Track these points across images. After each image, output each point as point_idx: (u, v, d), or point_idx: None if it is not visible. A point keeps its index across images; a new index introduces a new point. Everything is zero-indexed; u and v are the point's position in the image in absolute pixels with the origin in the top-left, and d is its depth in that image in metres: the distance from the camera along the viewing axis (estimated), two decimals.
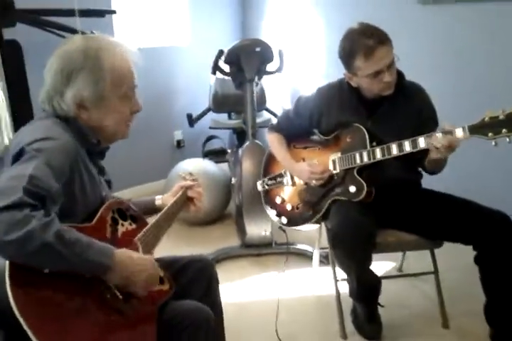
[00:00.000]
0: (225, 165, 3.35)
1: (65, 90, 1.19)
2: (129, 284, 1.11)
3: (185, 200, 1.51)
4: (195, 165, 3.09)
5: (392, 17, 3.00)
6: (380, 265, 2.51)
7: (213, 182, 3.08)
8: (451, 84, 2.81)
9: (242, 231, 2.75)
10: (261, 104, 3.42)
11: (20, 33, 2.20)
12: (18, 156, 1.08)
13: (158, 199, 1.51)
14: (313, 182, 1.91)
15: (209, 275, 1.49)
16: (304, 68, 3.55)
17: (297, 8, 3.55)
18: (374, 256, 2.37)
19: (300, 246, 2.70)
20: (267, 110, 3.47)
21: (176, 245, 2.89)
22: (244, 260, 2.69)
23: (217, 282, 1.53)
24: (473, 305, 1.90)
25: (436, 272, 2.05)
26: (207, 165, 3.15)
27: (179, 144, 3.80)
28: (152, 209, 1.48)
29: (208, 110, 3.42)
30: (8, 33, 2.14)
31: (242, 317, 2.17)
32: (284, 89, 3.76)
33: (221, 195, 3.13)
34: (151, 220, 1.36)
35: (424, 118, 1.83)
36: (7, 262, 0.97)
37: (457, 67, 2.82)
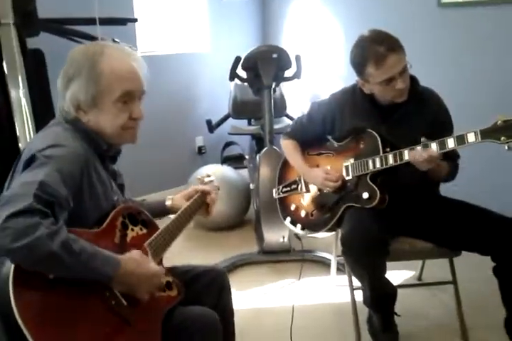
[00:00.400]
0: (244, 171, 3.36)
1: (65, 93, 1.22)
2: (133, 291, 1.12)
3: (202, 205, 1.51)
4: (214, 171, 3.09)
5: (412, 21, 2.99)
6: (399, 274, 2.47)
7: (232, 188, 3.09)
8: (470, 87, 2.78)
9: (260, 237, 2.75)
10: (281, 110, 3.43)
11: (43, 41, 2.26)
12: (29, 163, 1.10)
13: (169, 200, 1.51)
14: (327, 188, 1.90)
15: (221, 285, 1.49)
16: (324, 74, 3.55)
17: (317, 14, 3.55)
18: (393, 264, 2.35)
19: (318, 254, 2.68)
20: (287, 116, 3.47)
21: (194, 250, 2.92)
22: (261, 266, 2.69)
23: (229, 291, 1.53)
24: (493, 317, 1.85)
25: (455, 282, 2.00)
26: (226, 171, 3.16)
27: (200, 150, 3.83)
28: (162, 210, 1.49)
29: (228, 116, 3.44)
30: (31, 42, 2.20)
31: (258, 323, 2.17)
32: (304, 95, 3.75)
33: (240, 201, 3.14)
34: (163, 224, 1.37)
35: (439, 124, 1.81)
36: (12, 265, 0.99)
37: (476, 69, 2.78)
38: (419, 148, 1.61)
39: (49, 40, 2.28)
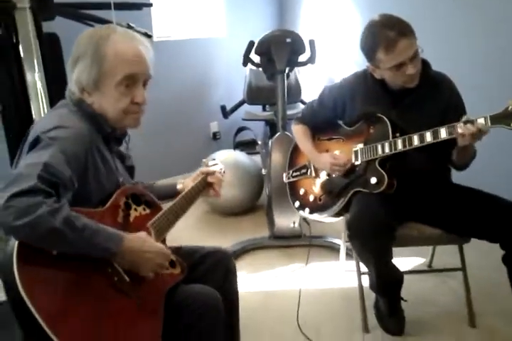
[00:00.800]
0: (257, 157, 3.37)
1: (71, 74, 1.25)
2: (137, 269, 1.15)
3: (205, 186, 1.53)
4: (226, 157, 3.13)
5: (425, 4, 2.93)
6: (409, 260, 2.47)
7: (245, 174, 3.11)
8: (482, 71, 2.73)
9: (271, 222, 2.77)
10: (296, 95, 3.42)
11: (58, 25, 2.29)
12: (34, 144, 1.13)
13: (179, 183, 1.54)
14: (336, 173, 1.90)
15: (226, 267, 1.52)
16: (339, 59, 3.51)
17: None
18: (403, 251, 2.37)
19: (328, 239, 2.69)
20: (302, 102, 3.45)
21: (207, 234, 2.97)
22: (272, 251, 2.71)
23: (234, 274, 1.56)
24: (502, 304, 1.84)
25: (464, 269, 1.99)
26: (238, 156, 3.18)
27: (215, 136, 3.85)
28: (173, 193, 1.51)
29: (243, 102, 3.44)
30: (47, 26, 2.23)
31: (267, 306, 2.20)
32: (319, 81, 3.72)
33: (253, 186, 3.16)
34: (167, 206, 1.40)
35: (451, 109, 1.78)
36: (16, 242, 1.02)
37: (489, 52, 2.72)
38: (460, 125, 1.55)
39: (64, 25, 2.30)
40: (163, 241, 1.34)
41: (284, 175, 2.22)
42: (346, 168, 1.86)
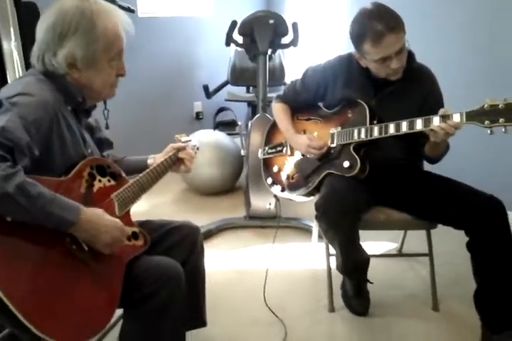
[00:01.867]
0: (237, 138, 3.37)
1: (58, 49, 1.22)
2: (93, 242, 1.15)
3: (176, 161, 1.53)
4: (206, 136, 3.13)
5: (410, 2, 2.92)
6: (381, 245, 2.51)
7: (225, 154, 3.12)
8: (460, 65, 2.74)
9: (247, 203, 2.79)
10: (280, 78, 3.42)
11: None
12: None
13: (151, 158, 1.54)
14: (311, 155, 1.92)
15: (193, 241, 1.53)
16: (325, 43, 3.49)
17: None
18: (375, 236, 2.41)
19: (303, 221, 2.72)
20: (286, 85, 3.44)
21: (184, 213, 2.98)
22: (247, 231, 2.74)
23: (201, 248, 1.57)
24: (466, 289, 1.88)
25: (430, 254, 2.03)
26: (219, 136, 3.18)
27: (198, 116, 3.84)
28: (143, 167, 1.50)
29: (226, 83, 3.43)
30: None
31: (237, 284, 2.23)
32: (304, 65, 3.70)
33: (232, 166, 3.17)
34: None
35: (430, 103, 1.80)
36: None
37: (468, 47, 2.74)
38: (436, 118, 1.58)
39: None
40: (127, 214, 1.34)
41: (260, 151, 2.22)
42: (322, 152, 1.87)
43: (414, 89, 1.80)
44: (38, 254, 1.07)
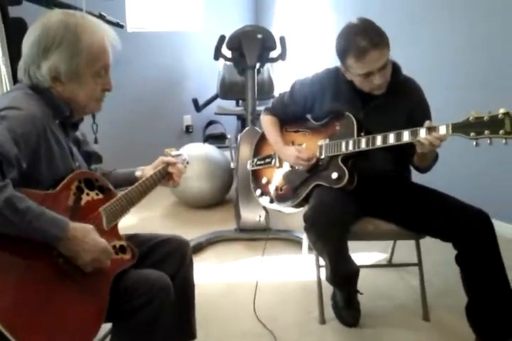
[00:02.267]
0: (227, 151, 3.39)
1: (41, 63, 1.23)
2: (75, 258, 1.14)
3: (165, 175, 1.53)
4: (196, 150, 3.14)
5: (402, 6, 2.98)
6: (371, 255, 2.52)
7: (215, 167, 3.13)
8: (453, 75, 2.79)
9: (238, 215, 2.79)
10: (269, 92, 3.45)
11: (26, 11, 2.26)
12: None
13: (139, 170, 1.54)
14: (300, 167, 1.93)
15: (182, 255, 1.52)
16: (314, 57, 3.54)
17: None
18: (365, 246, 2.42)
19: (293, 233, 2.73)
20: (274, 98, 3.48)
21: (175, 226, 2.98)
22: (237, 243, 2.74)
23: (190, 262, 1.56)
24: (456, 300, 1.89)
25: (420, 264, 2.04)
26: (209, 149, 3.19)
27: (188, 129, 3.85)
28: (131, 179, 1.50)
29: (216, 96, 3.45)
30: (15, 11, 2.20)
31: (227, 296, 2.22)
32: (292, 78, 3.75)
33: (222, 179, 3.18)
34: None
35: (416, 115, 1.82)
36: None
37: (460, 58, 2.79)
38: (422, 130, 1.60)
39: (33, 10, 2.28)
40: (115, 227, 1.34)
41: (249, 162, 2.23)
42: (310, 163, 1.89)
43: (401, 101, 1.83)
44: (23, 266, 1.06)
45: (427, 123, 1.61)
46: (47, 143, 1.20)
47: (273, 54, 2.95)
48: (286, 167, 2.04)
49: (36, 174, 1.17)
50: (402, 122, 1.78)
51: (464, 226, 1.69)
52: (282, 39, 2.94)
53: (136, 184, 1.42)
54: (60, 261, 1.12)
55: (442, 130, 1.57)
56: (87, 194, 1.26)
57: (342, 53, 1.74)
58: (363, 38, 1.66)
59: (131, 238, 1.42)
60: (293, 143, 2.03)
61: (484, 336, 1.75)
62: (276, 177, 2.08)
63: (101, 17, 2.47)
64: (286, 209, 2.01)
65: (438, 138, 1.57)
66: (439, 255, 2.20)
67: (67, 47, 1.22)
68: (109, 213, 1.29)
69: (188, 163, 1.66)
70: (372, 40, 1.65)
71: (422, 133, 1.60)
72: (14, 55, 2.13)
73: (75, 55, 1.23)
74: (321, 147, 1.90)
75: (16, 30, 2.17)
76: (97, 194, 1.29)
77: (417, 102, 1.86)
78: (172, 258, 1.50)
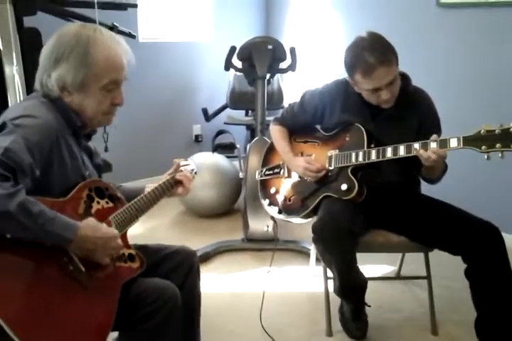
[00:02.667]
0: (236, 161, 3.39)
1: (51, 72, 1.25)
2: (92, 256, 1.17)
3: (173, 185, 1.53)
4: (205, 159, 3.15)
5: (411, 19, 3.00)
6: (379, 268, 2.50)
7: (223, 176, 3.13)
8: (464, 88, 2.79)
9: (245, 225, 2.79)
10: (278, 102, 3.46)
11: (40, 21, 2.30)
12: (0, 130, 1.14)
13: (148, 187, 1.53)
14: (308, 178, 1.93)
15: (190, 266, 1.52)
16: (324, 68, 3.56)
17: (319, 7, 3.56)
18: (373, 259, 2.40)
19: (301, 244, 2.72)
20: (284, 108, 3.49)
21: (182, 235, 2.98)
22: (245, 253, 2.73)
23: (197, 273, 1.56)
24: (465, 313, 1.87)
25: (428, 277, 2.02)
26: (218, 159, 3.20)
27: (197, 138, 3.87)
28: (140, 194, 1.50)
29: (225, 106, 3.47)
30: (30, 21, 2.25)
31: (233, 307, 2.21)
32: (302, 89, 3.77)
33: (231, 189, 3.18)
34: None
35: (427, 126, 1.82)
36: None
37: (471, 70, 2.79)
38: (433, 143, 1.61)
39: (47, 20, 2.32)
40: (124, 236, 1.34)
41: (257, 172, 2.23)
42: (319, 175, 1.88)
43: (411, 112, 1.83)
44: (33, 273, 1.07)
45: (433, 137, 1.61)
46: (60, 152, 1.21)
47: (283, 65, 2.96)
48: (295, 177, 2.03)
49: (48, 182, 1.19)
50: (412, 132, 1.79)
51: (473, 239, 1.68)
52: (292, 50, 2.96)
53: (145, 193, 1.43)
54: (69, 268, 1.13)
55: (453, 143, 1.57)
56: (98, 202, 1.28)
57: (350, 68, 1.75)
58: (370, 54, 1.66)
59: (139, 249, 1.42)
60: (302, 154, 2.03)
61: None
62: (284, 187, 2.07)
63: (113, 27, 2.52)
64: (295, 219, 2.00)
65: (434, 152, 1.57)
66: (447, 269, 2.17)
67: (75, 58, 1.24)
68: (119, 221, 1.30)
69: (196, 173, 1.67)
70: (380, 57, 1.65)
71: (433, 145, 1.60)
72: (28, 65, 2.17)
73: (82, 67, 1.24)
74: (330, 158, 1.90)
75: (31, 40, 2.21)
76: (107, 202, 1.30)
77: (427, 112, 1.85)
78: (179, 269, 1.50)
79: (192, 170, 1.64)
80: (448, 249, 1.76)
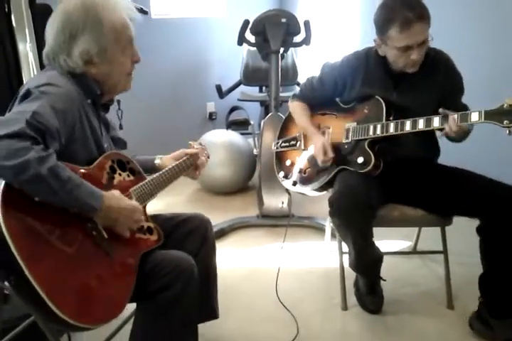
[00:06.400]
0: (250, 138, 3.38)
1: (71, 49, 1.25)
2: (114, 226, 1.19)
3: (190, 166, 1.57)
4: (219, 136, 3.15)
5: None
6: (395, 243, 2.50)
7: (238, 154, 3.13)
8: (488, 57, 2.71)
9: (260, 201, 2.80)
10: (293, 78, 3.42)
11: None
12: (25, 97, 1.15)
13: (158, 159, 1.57)
14: (318, 160, 1.90)
15: (204, 233, 1.55)
16: (337, 40, 3.50)
17: None
18: (390, 234, 2.39)
19: (316, 220, 2.72)
20: (298, 85, 3.45)
21: (198, 211, 2.98)
22: (260, 229, 2.75)
23: (213, 242, 1.59)
24: None
25: (445, 251, 2.01)
26: (232, 136, 3.19)
27: (211, 116, 3.86)
28: (150, 166, 1.53)
29: (239, 83, 3.44)
30: None
31: (250, 281, 2.24)
32: (316, 63, 3.71)
33: (245, 166, 3.18)
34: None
35: (450, 87, 1.80)
36: (3, 182, 1.04)
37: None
38: (454, 116, 1.58)
39: None
40: (143, 209, 1.36)
41: (273, 143, 2.22)
42: (327, 159, 1.86)
43: (433, 75, 1.80)
44: (60, 235, 1.09)
45: (453, 115, 1.57)
46: (81, 123, 1.23)
47: (297, 38, 2.91)
48: (311, 150, 2.01)
49: (72, 152, 1.20)
50: (436, 97, 1.76)
51: (493, 201, 1.66)
52: (307, 23, 2.89)
53: (164, 170, 1.45)
54: (93, 233, 1.15)
55: (475, 117, 1.53)
56: (119, 174, 1.30)
57: (384, 23, 1.69)
58: (409, 9, 1.64)
59: (154, 217, 1.44)
60: (319, 126, 2.01)
61: (493, 308, 1.74)
62: (300, 159, 2.06)
63: None
64: (310, 192, 1.99)
65: (455, 126, 1.55)
66: (465, 245, 2.16)
67: (91, 29, 1.24)
68: (139, 195, 1.32)
69: (209, 157, 1.70)
70: (419, 13, 1.64)
71: (454, 119, 1.57)
72: (41, 41, 2.16)
73: (100, 35, 1.25)
74: (347, 130, 1.88)
75: (43, 16, 2.19)
76: (128, 175, 1.33)
77: (450, 73, 1.82)
78: (194, 236, 1.53)
79: (205, 153, 1.67)
80: (467, 212, 1.73)
